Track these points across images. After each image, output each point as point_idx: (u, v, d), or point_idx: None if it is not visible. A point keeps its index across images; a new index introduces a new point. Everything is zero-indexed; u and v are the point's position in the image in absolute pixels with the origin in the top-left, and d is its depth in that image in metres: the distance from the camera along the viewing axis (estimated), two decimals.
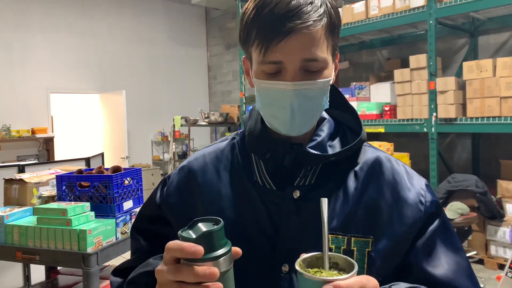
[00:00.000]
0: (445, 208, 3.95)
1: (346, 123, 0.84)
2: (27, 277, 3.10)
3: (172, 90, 8.45)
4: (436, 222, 0.77)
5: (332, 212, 0.75)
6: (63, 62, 7.06)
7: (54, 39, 6.96)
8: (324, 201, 0.64)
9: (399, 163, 0.82)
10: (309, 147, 0.76)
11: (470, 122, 4.21)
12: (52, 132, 6.99)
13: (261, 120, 0.82)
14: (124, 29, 7.80)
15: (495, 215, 4.05)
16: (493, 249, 4.11)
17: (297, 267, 0.59)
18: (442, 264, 0.75)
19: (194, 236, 0.58)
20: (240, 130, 0.88)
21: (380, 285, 0.70)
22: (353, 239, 0.74)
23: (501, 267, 3.89)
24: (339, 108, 0.85)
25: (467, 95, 4.25)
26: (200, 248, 0.56)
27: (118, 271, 0.89)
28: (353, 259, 0.67)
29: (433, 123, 4.47)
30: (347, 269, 0.60)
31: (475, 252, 4.08)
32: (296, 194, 0.76)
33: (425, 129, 4.56)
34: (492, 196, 4.14)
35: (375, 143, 4.70)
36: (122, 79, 7.72)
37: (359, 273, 0.61)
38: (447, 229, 0.79)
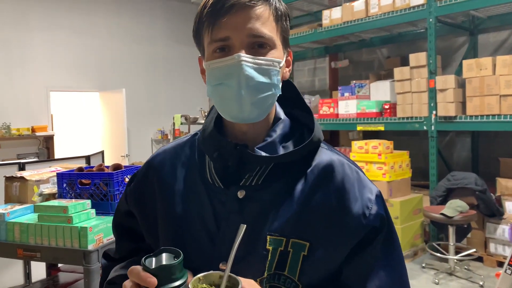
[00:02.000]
0: (444, 206, 3.97)
1: (306, 122, 0.83)
2: (27, 275, 3.11)
3: (172, 88, 8.45)
4: (378, 237, 0.76)
5: (274, 214, 0.75)
6: (62, 61, 7.05)
7: (54, 37, 6.95)
8: (242, 228, 0.70)
9: (352, 169, 0.80)
10: (258, 148, 0.76)
11: (470, 120, 4.22)
12: (52, 130, 6.99)
13: (216, 119, 0.82)
14: (124, 27, 7.80)
15: (494, 213, 4.06)
16: (492, 247, 4.12)
17: (192, 281, 0.67)
18: (373, 280, 0.75)
19: (153, 266, 0.66)
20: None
21: None
22: (291, 241, 0.74)
23: (500, 264, 3.90)
24: (298, 106, 0.85)
25: (466, 93, 4.26)
26: (153, 280, 0.65)
27: (105, 254, 0.98)
28: (288, 260, 0.74)
29: (432, 121, 4.47)
30: None
31: (474, 250, 4.09)
32: (242, 193, 0.76)
33: (424, 127, 4.57)
34: (492, 194, 4.15)
35: (375, 141, 4.71)
36: (122, 77, 7.71)
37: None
38: (389, 245, 0.78)
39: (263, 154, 0.75)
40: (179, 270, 0.67)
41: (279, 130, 0.79)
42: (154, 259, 0.68)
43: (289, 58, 0.81)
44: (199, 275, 0.68)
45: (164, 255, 0.68)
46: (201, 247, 0.77)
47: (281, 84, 0.77)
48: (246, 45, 0.72)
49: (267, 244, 0.74)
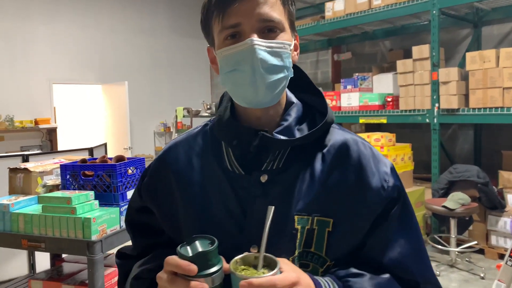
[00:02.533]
0: (446, 198, 3.97)
1: (316, 106, 0.85)
2: (32, 265, 3.14)
3: (174, 81, 8.45)
4: (395, 207, 0.80)
5: (298, 194, 0.78)
6: (65, 53, 7.06)
7: (57, 30, 6.95)
8: (270, 209, 0.70)
9: (366, 146, 0.83)
10: (276, 132, 0.78)
11: (473, 113, 4.21)
12: (55, 122, 7.02)
13: (230, 107, 0.83)
14: (127, 20, 7.78)
15: (496, 205, 4.07)
16: (493, 239, 4.13)
17: (231, 263, 0.67)
18: (394, 248, 0.79)
19: (190, 255, 0.67)
20: (214, 117, 0.90)
21: (335, 265, 0.78)
22: (315, 218, 0.77)
23: (502, 257, 3.91)
24: (308, 91, 0.87)
25: (469, 85, 4.24)
26: (194, 267, 0.65)
27: (120, 253, 0.98)
28: (313, 237, 0.76)
29: (435, 114, 4.47)
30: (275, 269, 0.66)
31: (475, 242, 4.10)
32: (264, 178, 0.78)
33: (427, 120, 4.56)
34: (494, 187, 4.15)
35: (377, 134, 4.71)
36: (125, 70, 7.71)
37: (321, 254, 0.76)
38: (406, 213, 0.82)
39: (282, 138, 0.77)
40: (215, 255, 0.68)
41: (293, 113, 0.81)
42: (188, 247, 0.68)
43: (296, 42, 0.82)
44: (235, 258, 0.68)
45: (197, 242, 0.69)
46: (229, 233, 0.78)
47: (291, 66, 0.78)
48: (257, 30, 0.73)
49: (296, 224, 0.77)
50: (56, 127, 6.88)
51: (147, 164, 2.38)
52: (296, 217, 0.77)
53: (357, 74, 5.57)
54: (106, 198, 2.15)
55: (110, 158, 2.29)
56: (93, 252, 1.94)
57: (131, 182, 2.24)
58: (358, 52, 6.44)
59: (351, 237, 0.78)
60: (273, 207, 0.71)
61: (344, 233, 0.77)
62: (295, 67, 0.82)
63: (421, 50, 4.65)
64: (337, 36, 6.46)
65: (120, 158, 2.26)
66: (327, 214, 0.77)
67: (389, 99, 5.02)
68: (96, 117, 8.46)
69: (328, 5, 5.49)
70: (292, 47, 0.78)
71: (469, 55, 4.29)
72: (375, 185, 0.78)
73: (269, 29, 0.74)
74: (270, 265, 0.67)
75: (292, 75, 0.78)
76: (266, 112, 0.80)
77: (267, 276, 0.63)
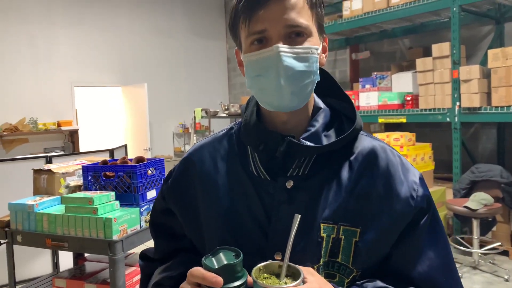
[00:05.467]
0: (468, 199, 3.89)
1: (344, 111, 0.84)
2: (56, 264, 3.22)
3: (192, 82, 8.52)
4: (425, 218, 0.77)
5: (324, 202, 0.76)
6: (86, 57, 7.20)
7: (78, 34, 7.10)
8: (297, 218, 0.69)
9: (394, 154, 0.81)
10: (302, 138, 0.77)
11: (495, 111, 4.11)
12: (77, 124, 7.17)
13: (256, 111, 0.83)
14: (145, 22, 7.89)
15: None
16: None
17: (253, 270, 0.66)
18: (423, 261, 0.77)
19: (216, 267, 0.65)
20: (239, 121, 0.89)
21: (361, 275, 0.76)
22: (342, 227, 0.76)
23: None
24: (335, 96, 0.85)
25: (492, 83, 4.14)
26: (220, 280, 0.64)
27: (143, 255, 0.98)
28: (340, 247, 0.74)
29: (456, 112, 4.38)
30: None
31: (499, 243, 4.01)
32: (290, 184, 0.77)
33: (448, 119, 4.48)
34: None
35: (397, 134, 4.65)
36: (144, 72, 7.82)
37: (345, 259, 0.74)
38: (435, 224, 0.79)
39: (309, 144, 0.76)
40: (240, 268, 0.67)
41: (320, 119, 0.80)
42: (213, 258, 0.68)
43: (324, 44, 0.81)
44: (259, 265, 0.68)
45: (222, 254, 0.68)
46: (253, 239, 0.77)
47: (319, 70, 0.77)
48: (283, 36, 0.73)
49: (321, 232, 0.75)
50: (78, 129, 7.03)
51: (166, 165, 2.42)
52: (322, 225, 0.75)
53: (375, 73, 5.50)
54: (126, 198, 2.19)
55: (130, 159, 2.33)
56: (114, 251, 1.98)
57: (151, 182, 2.27)
58: (376, 51, 6.37)
59: (379, 248, 0.76)
60: (300, 215, 0.70)
61: (371, 243, 0.75)
62: (322, 71, 0.81)
63: (441, 48, 4.57)
64: (355, 35, 6.40)
65: (140, 159, 2.30)
66: (354, 223, 0.76)
67: (408, 98, 4.95)
68: (116, 119, 8.60)
69: (345, 4, 5.45)
70: (319, 50, 0.77)
71: (491, 52, 4.19)
72: (403, 194, 0.76)
73: (296, 34, 0.73)
74: (293, 275, 0.66)
75: (319, 79, 0.77)
76: (292, 117, 0.79)
77: (289, 287, 0.62)
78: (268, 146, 0.78)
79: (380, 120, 5.12)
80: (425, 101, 4.71)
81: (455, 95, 4.38)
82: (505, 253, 4.09)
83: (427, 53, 5.00)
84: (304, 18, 0.73)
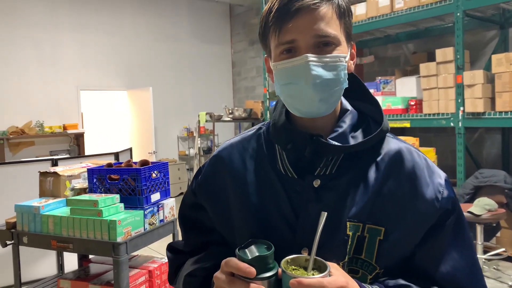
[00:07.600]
0: (471, 204, 3.89)
1: (370, 114, 0.86)
2: (60, 266, 3.25)
3: (197, 86, 8.57)
4: (450, 219, 0.79)
5: (351, 201, 0.78)
6: (92, 60, 7.27)
7: (83, 38, 7.17)
8: (323, 215, 0.71)
9: (420, 156, 0.83)
10: (330, 138, 0.79)
11: (499, 117, 4.11)
12: (82, 128, 7.23)
13: (285, 112, 0.85)
14: (150, 27, 7.96)
15: None
16: None
17: (282, 262, 0.68)
18: (447, 261, 0.78)
19: (249, 258, 0.68)
20: (267, 122, 0.92)
21: (384, 273, 0.78)
22: (367, 226, 0.78)
23: None
24: (363, 99, 0.88)
25: (496, 88, 4.14)
26: (253, 270, 0.67)
27: (172, 247, 1.01)
28: (364, 244, 0.76)
29: (460, 117, 4.38)
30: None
31: (503, 249, 3.99)
32: (317, 183, 0.79)
33: (451, 124, 4.48)
34: None
35: (401, 138, 4.65)
36: (149, 76, 7.88)
37: (369, 257, 0.76)
38: (460, 226, 0.80)
39: (337, 143, 0.78)
40: (272, 259, 0.70)
41: (348, 120, 0.82)
42: (246, 250, 0.71)
43: (352, 51, 0.83)
44: (286, 258, 0.70)
45: (254, 246, 0.71)
46: (281, 235, 0.80)
47: (347, 77, 0.79)
48: (312, 45, 0.75)
49: (347, 230, 0.77)
50: (84, 132, 7.09)
51: (170, 168, 2.43)
52: (348, 223, 0.77)
53: (379, 77, 5.52)
54: (131, 201, 2.21)
55: (135, 162, 2.36)
56: (118, 253, 2.00)
57: (155, 185, 2.30)
58: (380, 55, 6.38)
59: (402, 247, 0.78)
60: (326, 213, 0.71)
61: (395, 242, 0.77)
62: (351, 75, 0.83)
63: (445, 53, 4.57)
64: (359, 40, 6.42)
65: (144, 163, 2.32)
66: (379, 222, 0.77)
67: (412, 103, 4.96)
68: (121, 122, 8.66)
69: None
70: (347, 58, 0.79)
71: (495, 57, 4.19)
72: (429, 196, 0.78)
73: (324, 43, 0.75)
74: (320, 268, 0.68)
75: (347, 86, 0.79)
76: (320, 118, 0.81)
77: (317, 278, 0.64)
78: (296, 145, 0.80)
79: None
80: (429, 106, 4.71)
81: (459, 100, 4.38)
82: (509, 259, 4.07)
83: (431, 58, 5.00)
84: (332, 28, 0.75)
